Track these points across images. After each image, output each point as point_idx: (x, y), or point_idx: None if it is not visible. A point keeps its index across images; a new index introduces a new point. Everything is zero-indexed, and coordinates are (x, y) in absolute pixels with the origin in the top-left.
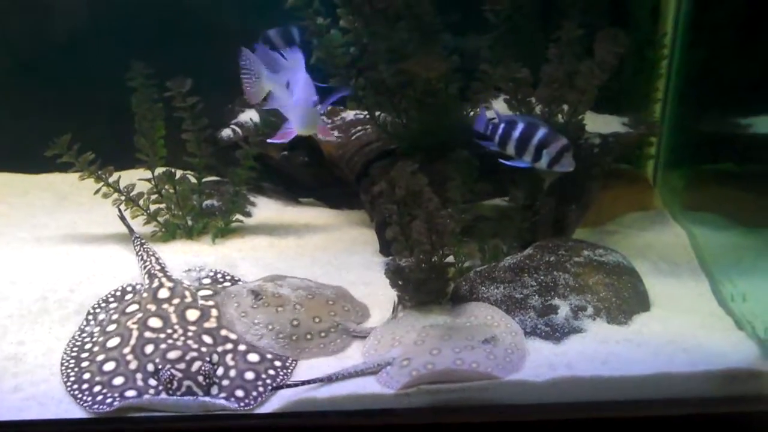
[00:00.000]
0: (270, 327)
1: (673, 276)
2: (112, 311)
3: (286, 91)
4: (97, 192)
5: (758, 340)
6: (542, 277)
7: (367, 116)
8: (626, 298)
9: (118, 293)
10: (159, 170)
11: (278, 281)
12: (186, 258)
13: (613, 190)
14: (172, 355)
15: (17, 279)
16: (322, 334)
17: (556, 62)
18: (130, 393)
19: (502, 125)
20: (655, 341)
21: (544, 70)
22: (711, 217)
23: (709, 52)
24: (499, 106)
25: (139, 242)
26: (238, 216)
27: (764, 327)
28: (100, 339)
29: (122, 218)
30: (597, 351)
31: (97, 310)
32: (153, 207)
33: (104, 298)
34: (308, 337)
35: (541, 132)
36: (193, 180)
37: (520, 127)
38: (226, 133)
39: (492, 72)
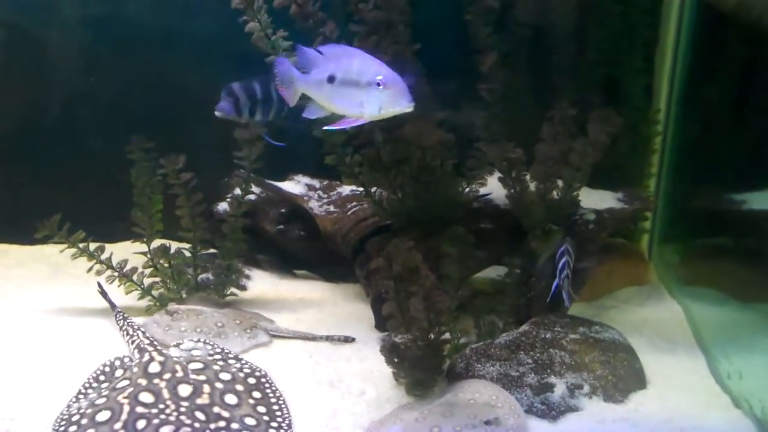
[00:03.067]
0: (198, 330)
1: (669, 353)
2: (102, 385)
3: (326, 86)
4: (90, 270)
5: (755, 418)
6: (538, 355)
7: (363, 192)
8: (622, 376)
9: (107, 368)
10: (154, 243)
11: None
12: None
13: (608, 264)
14: (165, 430)
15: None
16: (247, 330)
17: (550, 141)
18: None
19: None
20: (651, 421)
21: (539, 149)
22: (707, 292)
23: (702, 128)
24: (494, 183)
25: (121, 317)
26: (233, 289)
27: (761, 406)
28: (89, 412)
29: (103, 294)
30: (594, 431)
31: (87, 386)
32: (148, 281)
33: (94, 374)
34: (235, 333)
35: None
36: (188, 254)
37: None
38: (222, 206)
39: (487, 150)
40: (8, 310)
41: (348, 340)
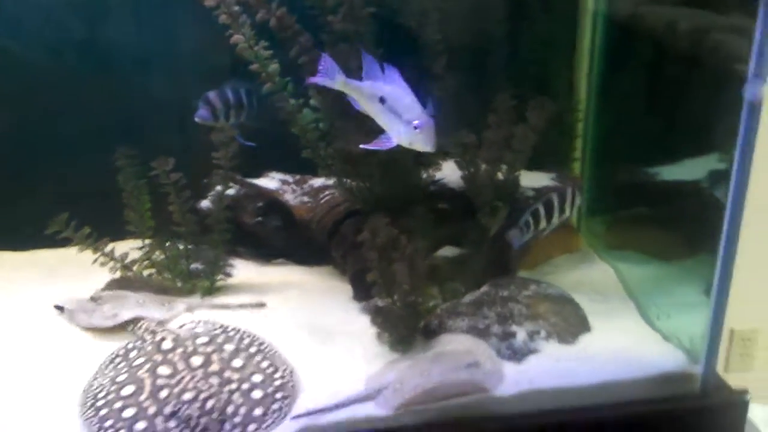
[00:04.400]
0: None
1: (605, 304)
2: (120, 365)
3: (376, 103)
4: (95, 261)
5: (684, 348)
6: (499, 309)
7: (335, 181)
8: (571, 323)
9: (122, 351)
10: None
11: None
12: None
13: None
14: (187, 396)
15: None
16: (165, 304)
17: (494, 128)
18: None
19: (530, 217)
20: (599, 356)
21: (485, 135)
22: (631, 255)
23: (616, 116)
24: (447, 169)
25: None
26: (222, 276)
27: (688, 338)
28: (113, 388)
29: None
30: (553, 367)
31: (103, 367)
32: (146, 272)
33: (111, 356)
34: (154, 305)
35: (554, 198)
36: (180, 247)
37: (540, 207)
38: (205, 203)
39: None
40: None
41: (260, 305)
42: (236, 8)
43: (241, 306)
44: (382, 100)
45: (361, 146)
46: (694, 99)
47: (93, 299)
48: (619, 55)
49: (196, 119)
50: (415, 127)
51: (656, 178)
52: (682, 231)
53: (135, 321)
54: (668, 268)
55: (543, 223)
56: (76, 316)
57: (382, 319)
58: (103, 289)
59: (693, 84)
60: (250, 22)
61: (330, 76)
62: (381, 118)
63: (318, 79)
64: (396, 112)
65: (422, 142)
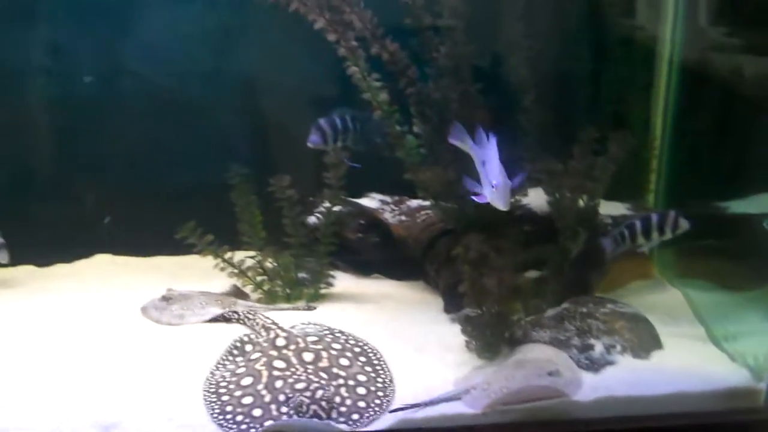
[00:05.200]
0: (185, 308)
1: (676, 325)
2: (238, 359)
3: (480, 165)
4: (215, 266)
5: (749, 367)
6: (579, 323)
7: (432, 202)
8: (645, 340)
9: (238, 344)
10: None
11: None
12: (289, 317)
13: (619, 263)
14: (299, 386)
15: None
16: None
17: (578, 158)
18: (268, 423)
19: (626, 230)
20: (671, 370)
21: (570, 165)
22: (700, 283)
23: (690, 152)
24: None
25: (232, 312)
26: (324, 284)
27: (753, 357)
28: (233, 379)
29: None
30: (628, 377)
31: (223, 359)
32: (258, 278)
33: (228, 349)
34: (214, 307)
35: (654, 217)
36: (290, 257)
37: (638, 223)
38: (312, 219)
39: (533, 167)
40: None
41: (310, 308)
42: (354, 43)
43: (294, 308)
44: (483, 164)
45: (472, 197)
46: (762, 137)
47: (164, 298)
48: (692, 96)
49: (309, 144)
50: (493, 187)
51: (725, 211)
52: (750, 262)
53: (245, 313)
54: (735, 296)
55: (640, 239)
56: (148, 312)
57: (471, 327)
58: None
59: (761, 123)
60: (365, 55)
61: (460, 140)
62: (481, 176)
63: (453, 141)
64: (487, 175)
65: (497, 200)
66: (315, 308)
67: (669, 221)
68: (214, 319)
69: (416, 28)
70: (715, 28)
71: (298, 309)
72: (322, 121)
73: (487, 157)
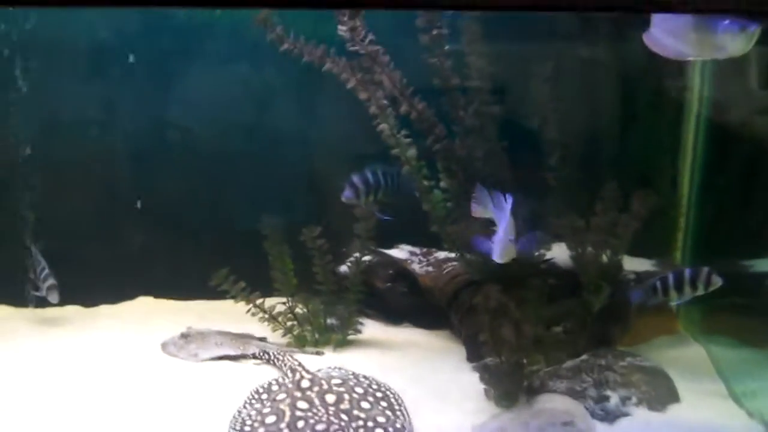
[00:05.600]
0: (202, 348)
1: (696, 381)
2: (264, 399)
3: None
4: (248, 311)
5: (765, 424)
6: (596, 375)
7: (457, 254)
8: (661, 393)
9: (265, 386)
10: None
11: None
12: (316, 361)
13: (644, 318)
14: (320, 427)
15: None
16: (240, 346)
17: (601, 214)
18: None
19: (659, 282)
20: (687, 424)
21: (593, 221)
22: (723, 339)
23: (716, 211)
24: (557, 249)
25: (263, 353)
26: (352, 331)
27: None
28: (258, 417)
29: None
30: (641, 429)
31: (251, 398)
32: (288, 323)
33: (256, 389)
34: (228, 346)
35: (687, 272)
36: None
37: (671, 277)
38: (343, 268)
39: (556, 222)
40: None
41: (318, 353)
42: (384, 101)
43: (303, 351)
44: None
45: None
46: None
47: (183, 336)
48: (718, 156)
49: (343, 199)
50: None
51: (751, 269)
52: None
53: (275, 355)
54: (757, 353)
55: (672, 293)
56: (167, 348)
57: (489, 376)
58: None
59: None
60: (394, 113)
61: (482, 207)
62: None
63: (476, 214)
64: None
65: (494, 253)
66: (323, 354)
67: (702, 277)
68: (227, 357)
69: (444, 87)
70: (741, 89)
71: (306, 353)
72: (355, 177)
73: (500, 217)
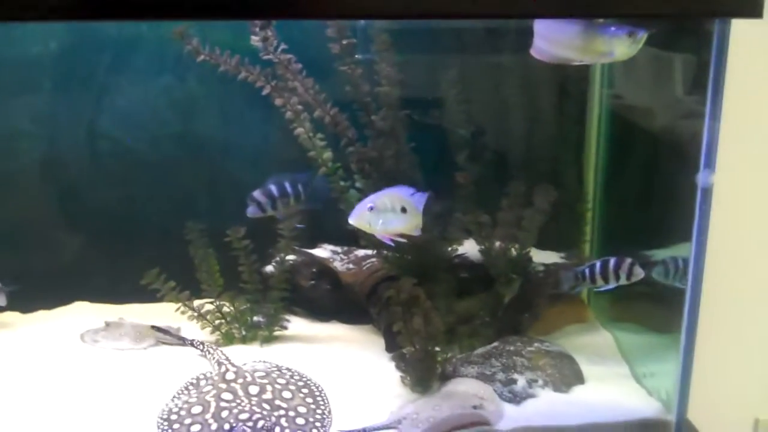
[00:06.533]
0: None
1: (602, 364)
2: (191, 391)
3: None
4: (177, 310)
5: (662, 401)
6: (505, 360)
7: (375, 252)
8: (567, 375)
9: (194, 380)
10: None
11: None
12: (242, 356)
13: (557, 307)
14: (243, 416)
15: None
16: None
17: (507, 210)
18: None
19: (587, 269)
20: (589, 402)
21: (500, 216)
22: (630, 326)
23: (620, 206)
24: (468, 245)
25: (200, 344)
26: (278, 328)
27: (665, 392)
28: (185, 406)
29: (159, 329)
30: (546, 409)
31: (179, 392)
32: (216, 321)
33: (184, 384)
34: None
35: (611, 261)
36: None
37: (598, 264)
38: (269, 268)
39: (463, 219)
40: None
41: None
42: (299, 107)
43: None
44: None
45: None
46: (678, 190)
47: (106, 323)
48: (620, 153)
49: (248, 215)
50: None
51: (651, 259)
52: (673, 306)
53: (208, 348)
54: (658, 337)
55: (599, 281)
56: (84, 338)
57: (405, 364)
58: None
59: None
60: (310, 118)
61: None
62: None
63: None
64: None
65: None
66: (203, 344)
67: (624, 268)
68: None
69: (355, 94)
70: (642, 89)
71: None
72: (256, 193)
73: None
